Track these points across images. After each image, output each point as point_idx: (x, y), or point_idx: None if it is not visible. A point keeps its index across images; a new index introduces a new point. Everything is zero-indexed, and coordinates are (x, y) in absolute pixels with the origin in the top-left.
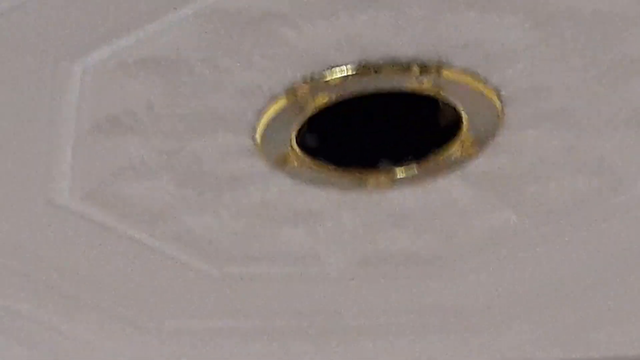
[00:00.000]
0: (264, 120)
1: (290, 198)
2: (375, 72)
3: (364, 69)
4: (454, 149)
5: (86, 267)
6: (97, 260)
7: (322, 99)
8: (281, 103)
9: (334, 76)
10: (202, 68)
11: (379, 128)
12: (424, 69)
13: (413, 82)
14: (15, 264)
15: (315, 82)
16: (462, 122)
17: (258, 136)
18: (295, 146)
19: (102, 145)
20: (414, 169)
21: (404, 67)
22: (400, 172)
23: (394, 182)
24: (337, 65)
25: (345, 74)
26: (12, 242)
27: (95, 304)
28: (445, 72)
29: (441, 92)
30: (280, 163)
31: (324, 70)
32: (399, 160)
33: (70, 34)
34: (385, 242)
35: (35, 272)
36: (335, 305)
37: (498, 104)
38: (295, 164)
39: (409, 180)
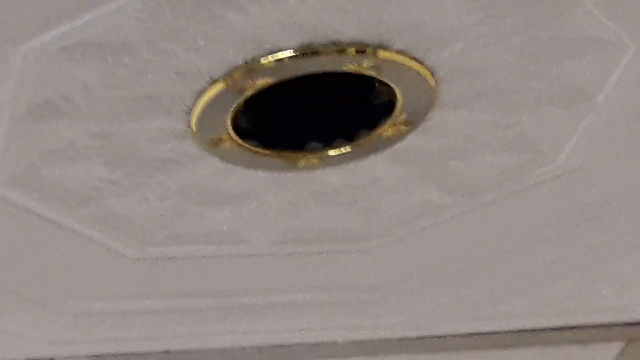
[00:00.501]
0: (201, 103)
1: (220, 180)
2: (314, 54)
3: (303, 51)
4: (386, 129)
5: (9, 251)
6: (20, 245)
7: (261, 82)
8: (219, 86)
9: (273, 59)
10: (142, 51)
11: (315, 109)
12: (362, 50)
13: (350, 63)
14: None
15: (254, 65)
16: (396, 102)
17: (193, 119)
18: (229, 129)
19: (36, 130)
20: (344, 148)
21: (342, 48)
22: (330, 152)
23: (324, 161)
24: (277, 48)
25: (284, 57)
26: None
27: (18, 288)
28: (383, 53)
29: (377, 73)
30: (213, 146)
31: (263, 53)
32: (331, 141)
33: (11, 19)
34: (310, 220)
35: None
36: (259, 282)
37: (433, 84)
38: (228, 146)
39: (338, 160)
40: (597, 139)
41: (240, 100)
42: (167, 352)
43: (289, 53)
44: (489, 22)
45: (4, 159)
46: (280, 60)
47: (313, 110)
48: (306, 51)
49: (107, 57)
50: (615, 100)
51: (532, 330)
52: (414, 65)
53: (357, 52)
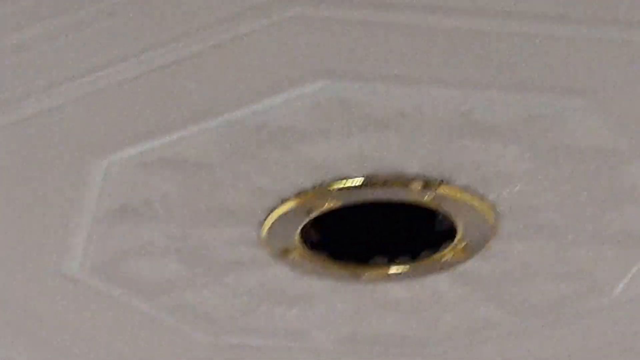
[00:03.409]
0: (272, 218)
1: (288, 285)
2: (379, 185)
3: (370, 181)
4: (446, 253)
5: (88, 331)
6: (98, 326)
7: (329, 205)
8: (289, 204)
9: (341, 186)
10: (219, 170)
11: (380, 229)
12: (425, 184)
13: (415, 195)
14: (20, 323)
15: (322, 190)
16: (456, 231)
17: (264, 230)
18: (298, 241)
19: (116, 230)
20: (406, 266)
21: (406, 182)
22: (393, 269)
23: (387, 276)
24: (345, 176)
25: (351, 185)
26: (23, 306)
27: None
28: (445, 189)
29: (440, 205)
30: (282, 255)
31: (332, 179)
32: (394, 258)
33: (99, 134)
34: (372, 326)
35: (39, 332)
36: None
37: (492, 218)
38: (297, 256)
39: (400, 276)
40: None
41: (309, 217)
42: None
43: (356, 182)
44: (547, 170)
45: (87, 252)
46: (347, 187)
47: (378, 229)
48: (372, 182)
49: (186, 173)
50: None
51: None
52: (475, 201)
53: (421, 186)
